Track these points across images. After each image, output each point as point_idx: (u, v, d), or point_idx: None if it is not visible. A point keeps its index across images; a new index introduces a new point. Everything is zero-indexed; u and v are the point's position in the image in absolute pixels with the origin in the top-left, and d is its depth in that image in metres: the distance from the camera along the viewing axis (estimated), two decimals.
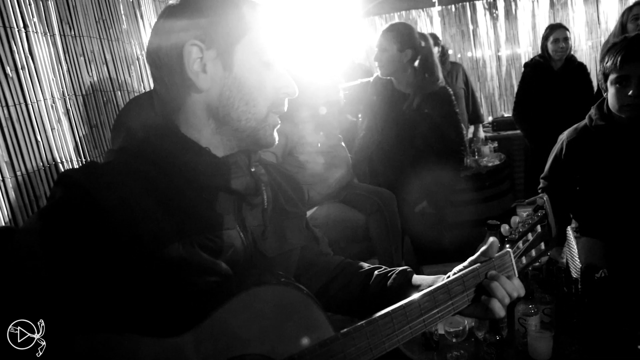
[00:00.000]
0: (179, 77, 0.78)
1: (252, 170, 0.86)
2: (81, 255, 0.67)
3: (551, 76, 3.39)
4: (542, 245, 0.98)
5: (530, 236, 0.96)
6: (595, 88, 3.42)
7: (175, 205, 0.75)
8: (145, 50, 0.82)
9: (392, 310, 0.78)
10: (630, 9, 2.97)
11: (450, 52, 4.27)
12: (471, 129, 4.11)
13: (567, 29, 3.39)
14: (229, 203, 0.82)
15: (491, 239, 0.90)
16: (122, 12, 2.05)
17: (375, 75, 2.71)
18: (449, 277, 0.89)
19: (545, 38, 3.39)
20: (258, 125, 0.82)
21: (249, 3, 0.81)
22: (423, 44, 2.56)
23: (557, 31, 3.34)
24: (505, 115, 5.20)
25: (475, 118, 4.11)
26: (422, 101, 2.51)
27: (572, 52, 3.47)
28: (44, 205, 0.74)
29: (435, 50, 3.86)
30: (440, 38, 4.18)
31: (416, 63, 2.54)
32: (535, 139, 3.55)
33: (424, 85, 2.54)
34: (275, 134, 0.85)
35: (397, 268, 1.00)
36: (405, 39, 2.51)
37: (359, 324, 0.76)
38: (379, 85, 2.68)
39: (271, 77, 0.82)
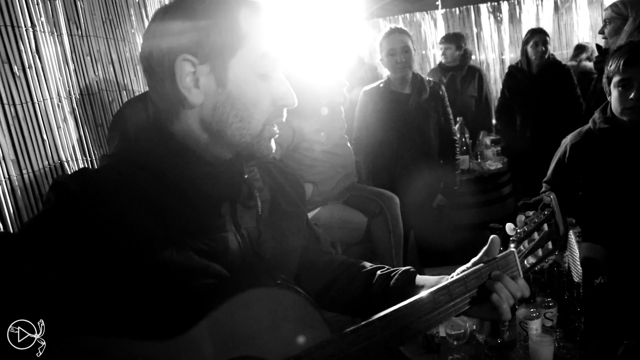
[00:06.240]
0: (171, 90, 0.76)
1: (246, 177, 0.85)
2: (72, 262, 0.67)
3: (529, 80, 3.46)
4: (550, 245, 0.95)
5: (536, 235, 0.94)
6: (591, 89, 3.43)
7: (167, 211, 0.74)
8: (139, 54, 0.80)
9: (391, 312, 0.78)
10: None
11: (473, 57, 4.23)
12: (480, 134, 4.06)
13: (547, 34, 3.47)
14: (223, 207, 0.81)
15: (493, 237, 0.89)
16: (129, 13, 2.06)
17: (376, 85, 2.81)
18: (452, 277, 0.88)
19: (525, 42, 3.47)
20: (253, 140, 0.79)
21: (247, 9, 0.76)
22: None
23: (537, 35, 3.39)
24: None
25: (487, 126, 4.07)
26: (424, 98, 2.69)
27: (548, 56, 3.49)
28: (40, 211, 0.74)
29: (457, 54, 3.90)
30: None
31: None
32: (511, 140, 3.62)
33: (422, 82, 2.72)
34: (273, 144, 0.82)
35: (400, 268, 0.99)
36: (411, 40, 2.69)
37: (356, 326, 0.75)
38: (378, 93, 2.76)
39: (268, 89, 0.79)
